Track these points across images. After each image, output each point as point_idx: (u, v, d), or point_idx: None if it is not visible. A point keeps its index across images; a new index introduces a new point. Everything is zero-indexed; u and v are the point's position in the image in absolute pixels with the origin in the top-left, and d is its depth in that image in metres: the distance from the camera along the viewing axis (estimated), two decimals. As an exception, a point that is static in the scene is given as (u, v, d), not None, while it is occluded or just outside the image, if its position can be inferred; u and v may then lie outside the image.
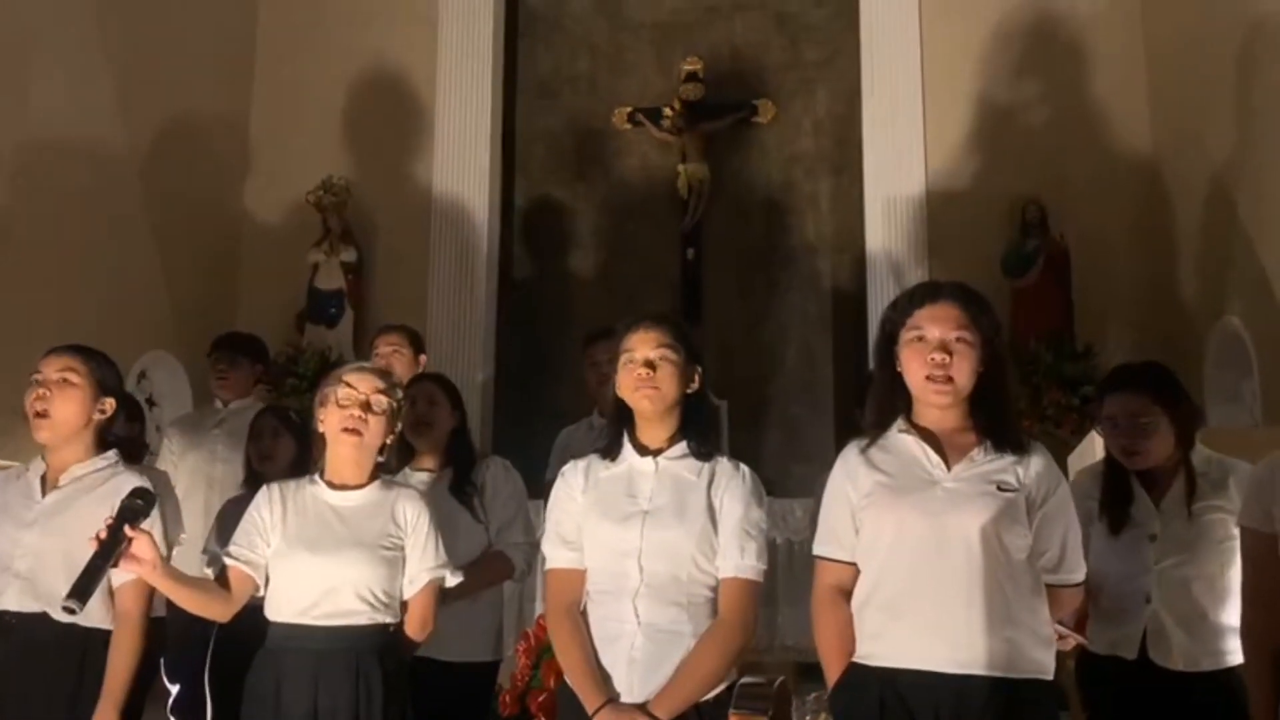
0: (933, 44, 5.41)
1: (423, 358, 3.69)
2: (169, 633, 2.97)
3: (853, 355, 5.31)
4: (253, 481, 3.26)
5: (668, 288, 5.68)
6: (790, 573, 4.14)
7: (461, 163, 5.77)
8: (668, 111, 5.84)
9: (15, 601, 2.26)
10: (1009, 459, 1.99)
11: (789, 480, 4.74)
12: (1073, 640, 2.44)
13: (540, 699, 3.68)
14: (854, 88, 5.65)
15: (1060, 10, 5.35)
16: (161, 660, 3.28)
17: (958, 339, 1.99)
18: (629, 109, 5.94)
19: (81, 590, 1.96)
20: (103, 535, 2.00)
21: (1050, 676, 1.96)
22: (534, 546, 2.92)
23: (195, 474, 3.73)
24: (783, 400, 5.51)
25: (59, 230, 4.54)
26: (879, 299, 5.36)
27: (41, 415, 2.33)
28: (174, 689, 3.54)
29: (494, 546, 2.90)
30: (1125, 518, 2.49)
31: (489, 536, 2.90)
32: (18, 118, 4.38)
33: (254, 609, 2.41)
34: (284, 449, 3.25)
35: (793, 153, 5.84)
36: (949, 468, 2.00)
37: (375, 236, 5.65)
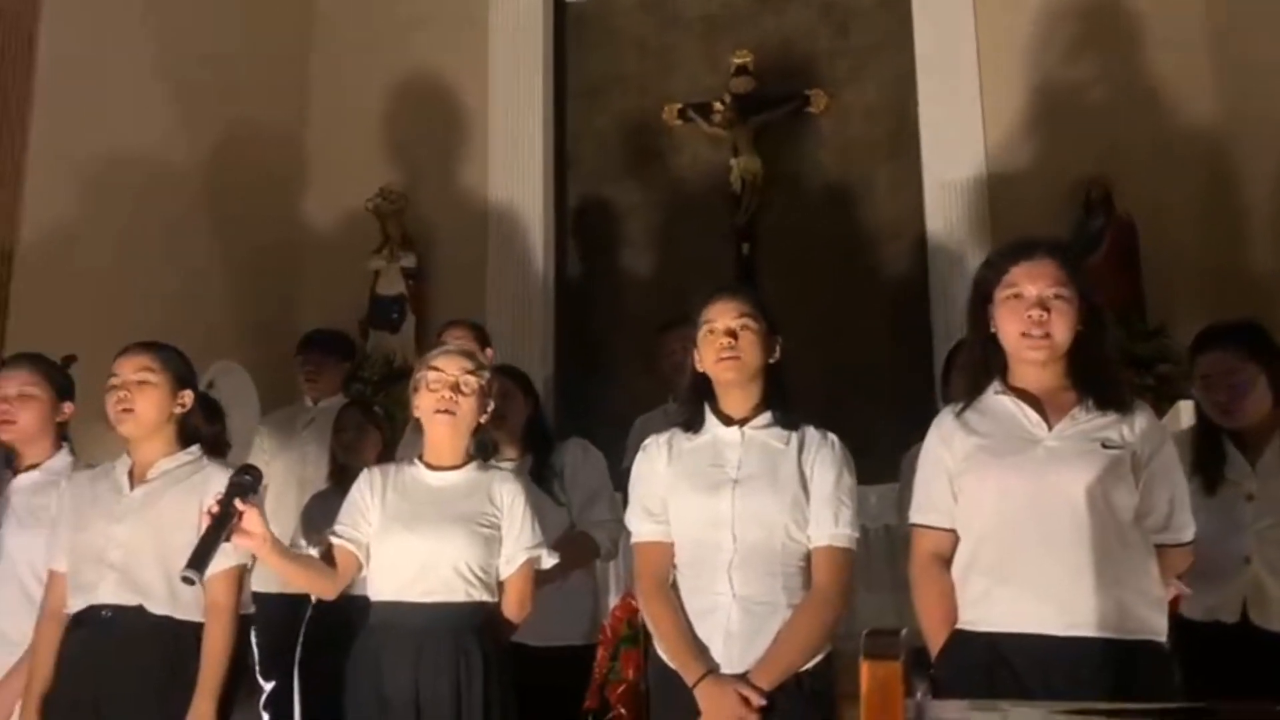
0: (988, 23, 5.34)
1: (489, 351, 3.69)
2: (260, 628, 3.00)
3: (916, 342, 5.24)
4: (338, 475, 3.30)
5: (718, 290, 5.63)
6: (867, 559, 4.08)
7: (514, 165, 5.79)
8: (718, 106, 5.81)
9: (111, 594, 2.29)
10: (1112, 416, 1.95)
11: (857, 471, 4.68)
12: (1174, 589, 2.37)
13: (619, 690, 3.67)
14: (907, 72, 5.58)
15: (1119, -18, 5.26)
16: (255, 657, 3.33)
17: (1055, 295, 1.95)
18: (679, 105, 5.92)
19: (199, 561, 2.00)
20: (214, 510, 2.02)
21: (1163, 638, 1.92)
22: (619, 524, 2.90)
23: (287, 474, 3.77)
24: (845, 391, 5.45)
25: (125, 243, 4.62)
26: (941, 285, 5.30)
27: (125, 412, 2.37)
28: (267, 686, 3.58)
29: (576, 527, 2.89)
30: (1219, 477, 2.43)
31: (571, 517, 2.89)
32: (85, 133, 4.46)
33: (345, 603, 2.43)
34: (369, 443, 3.29)
35: (847, 141, 5.78)
36: (1050, 427, 1.95)
37: (433, 241, 5.68)
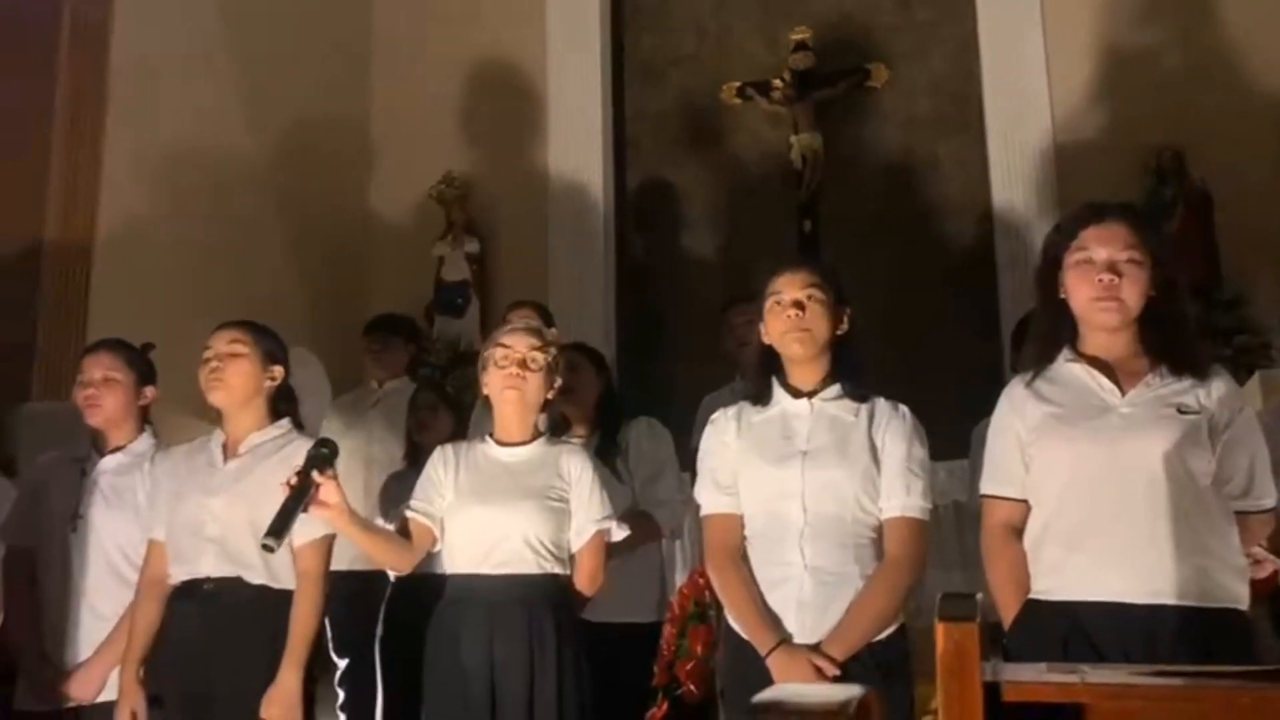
0: (1053, -11, 5.23)
1: (553, 330, 3.72)
2: (332, 606, 3.07)
3: (984, 317, 5.17)
4: (413, 455, 3.36)
5: (784, 262, 5.61)
6: (936, 536, 4.04)
7: (575, 149, 5.82)
8: (777, 83, 5.77)
9: (212, 566, 2.36)
10: (1188, 382, 1.91)
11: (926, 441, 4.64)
12: (1271, 566, 2.32)
13: (688, 667, 3.68)
14: (969, 44, 5.50)
15: (1190, -57, 5.12)
16: (329, 634, 3.40)
17: (1127, 259, 1.91)
18: (738, 84, 5.90)
19: (278, 530, 2.05)
20: (293, 481, 2.08)
21: (1245, 606, 1.87)
22: (683, 503, 2.91)
23: (354, 455, 3.82)
24: (911, 368, 5.39)
25: (195, 234, 4.73)
26: (1008, 259, 5.23)
27: (216, 381, 2.44)
28: (341, 663, 3.66)
29: (638, 505, 2.90)
30: None
31: (634, 495, 2.91)
32: (154, 126, 4.58)
33: (424, 581, 2.47)
34: (442, 422, 3.35)
35: (909, 116, 5.71)
36: (1122, 393, 1.92)
37: (496, 226, 5.74)
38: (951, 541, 4.00)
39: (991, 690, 1.18)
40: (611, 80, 6.01)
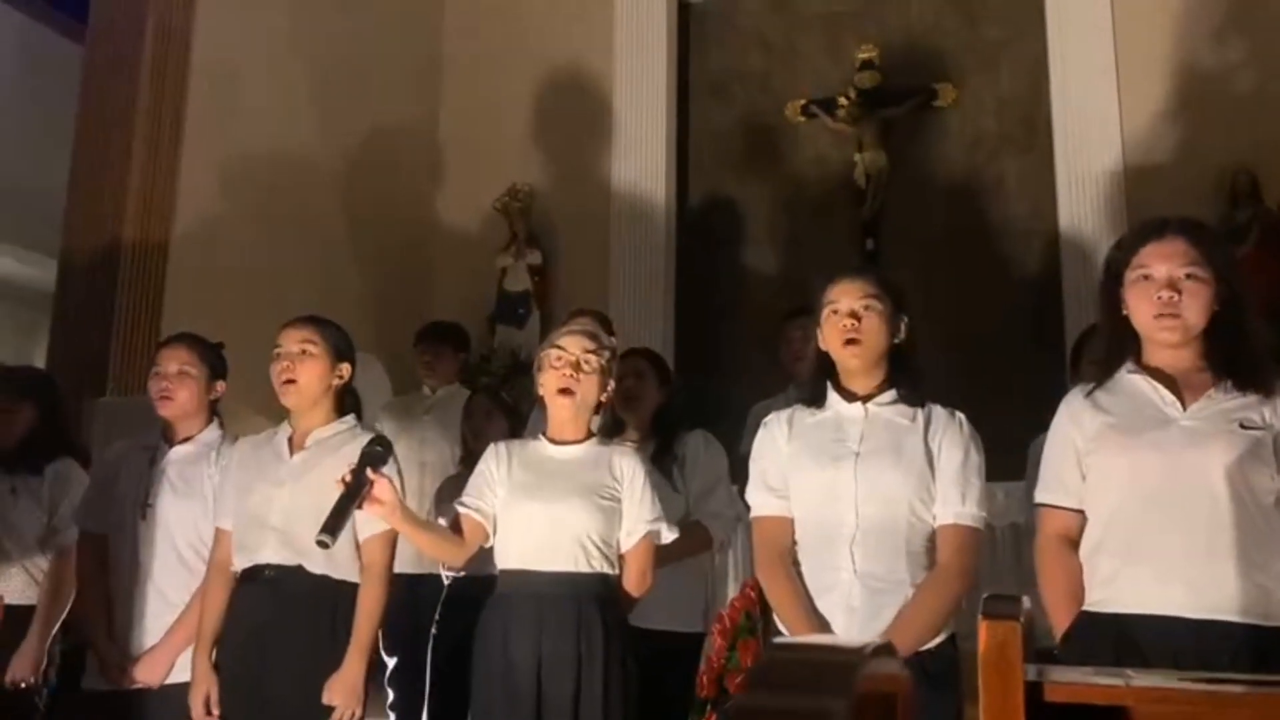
0: (1124, 11, 5.16)
1: (612, 339, 3.75)
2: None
3: (1049, 340, 5.09)
4: (469, 460, 3.41)
5: (841, 270, 5.59)
6: (993, 558, 4.00)
7: (638, 163, 5.86)
8: (842, 101, 5.77)
9: (274, 554, 2.41)
10: (1254, 398, 1.87)
11: (987, 468, 4.59)
12: None
13: (738, 680, 3.66)
14: (1039, 64, 5.45)
15: (1266, -38, 5.03)
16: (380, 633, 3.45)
17: (1187, 275, 1.88)
18: (802, 101, 5.91)
19: (332, 527, 2.10)
20: (348, 478, 2.12)
21: (1308, 628, 1.83)
22: (735, 518, 2.92)
23: (407, 459, 3.88)
24: (977, 390, 5.32)
25: (266, 237, 4.86)
26: (1075, 281, 5.14)
27: (289, 383, 2.49)
28: (391, 661, 3.71)
29: (691, 516, 2.91)
30: None
31: (687, 506, 2.92)
32: (230, 131, 4.73)
33: (478, 582, 2.50)
34: (496, 428, 3.39)
35: (976, 135, 5.67)
36: (1184, 406, 1.89)
37: (559, 238, 5.80)
38: (1010, 563, 3.94)
39: (1034, 690, 1.18)
40: (677, 95, 6.06)
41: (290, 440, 2.55)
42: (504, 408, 3.55)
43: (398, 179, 5.76)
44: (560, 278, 5.77)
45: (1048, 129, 5.38)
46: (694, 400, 5.57)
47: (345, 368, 2.59)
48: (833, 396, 2.17)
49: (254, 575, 2.43)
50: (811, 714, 0.52)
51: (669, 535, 2.36)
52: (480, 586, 2.56)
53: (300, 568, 2.39)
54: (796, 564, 2.13)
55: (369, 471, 2.16)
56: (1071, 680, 1.20)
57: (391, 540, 2.44)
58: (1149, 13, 5.13)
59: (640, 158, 5.87)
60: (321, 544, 2.11)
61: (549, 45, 5.97)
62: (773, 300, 5.48)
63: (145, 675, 2.60)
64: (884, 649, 0.71)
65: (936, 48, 5.80)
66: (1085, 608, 1.90)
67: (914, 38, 5.84)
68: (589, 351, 2.36)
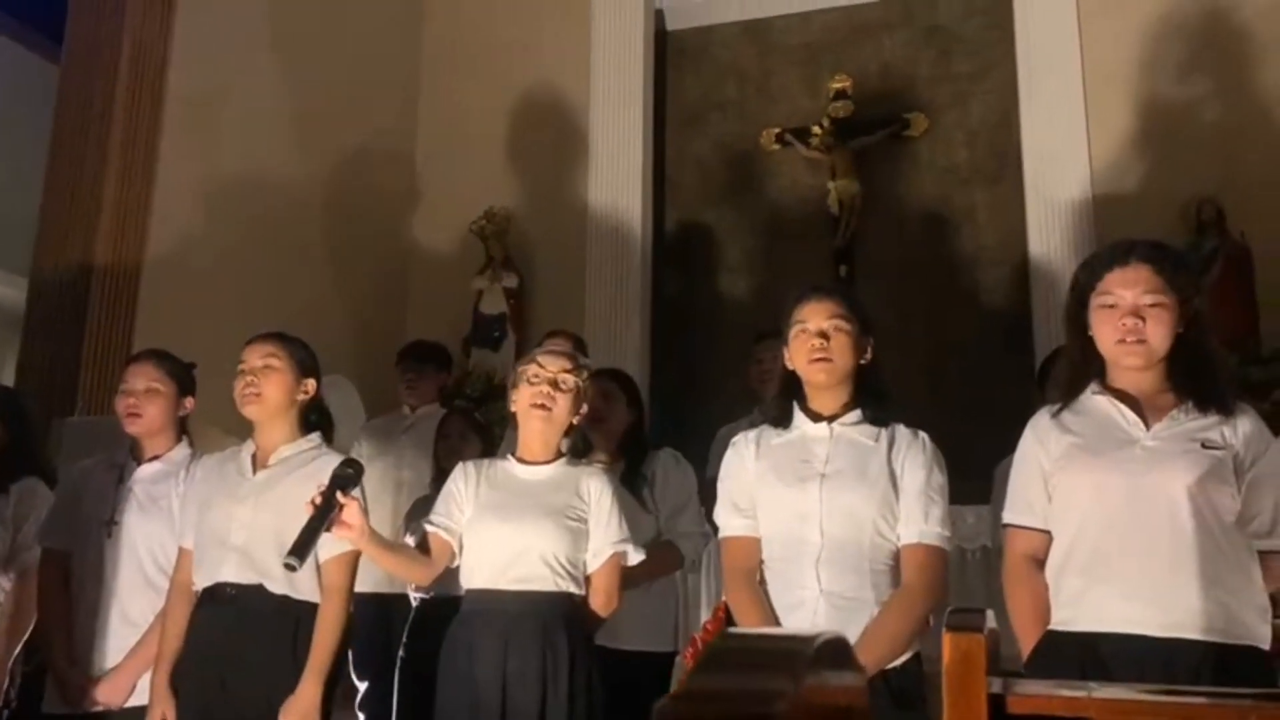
0: (1092, 44, 5.26)
1: (588, 360, 3.76)
2: (353, 629, 3.09)
3: (1019, 367, 5.14)
4: (440, 480, 3.39)
5: (810, 289, 5.64)
6: (962, 580, 4.03)
7: (615, 189, 5.90)
8: (816, 130, 5.85)
9: (234, 573, 2.39)
10: (1214, 419, 1.90)
11: (955, 492, 4.62)
12: None
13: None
14: (1009, 97, 5.53)
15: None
16: (350, 656, 3.42)
17: (1151, 303, 1.91)
18: (777, 130, 5.98)
19: (300, 550, 2.08)
20: (317, 500, 2.11)
21: (1266, 646, 1.85)
22: (704, 537, 2.92)
23: (384, 478, 3.88)
24: (949, 415, 5.37)
25: (241, 260, 4.84)
26: (1045, 308, 5.20)
27: (252, 396, 2.48)
28: (361, 686, 3.67)
29: (663, 536, 2.92)
30: None
31: (659, 526, 2.92)
32: (203, 155, 4.72)
33: (448, 602, 2.49)
34: (470, 448, 3.38)
35: (947, 165, 5.75)
36: (1148, 427, 1.92)
37: (535, 262, 5.82)
38: (978, 586, 3.96)
39: (997, 702, 1.18)
40: (654, 122, 6.10)
41: (254, 457, 2.53)
42: (478, 428, 3.55)
43: (375, 202, 5.76)
44: (536, 301, 5.78)
45: (1017, 159, 5.46)
46: (669, 424, 5.59)
47: (310, 383, 2.57)
48: (799, 417, 2.19)
49: (214, 594, 2.40)
50: (759, 696, 0.53)
51: (636, 556, 2.36)
52: (449, 607, 2.54)
53: (261, 587, 2.36)
54: (764, 583, 2.14)
55: (339, 494, 2.14)
56: (1034, 692, 1.21)
57: (353, 562, 2.42)
58: (1116, 47, 5.23)
59: (617, 183, 5.91)
60: (289, 567, 2.10)
61: (527, 71, 6.01)
62: (747, 325, 5.50)
63: (106, 697, 2.56)
64: (836, 641, 0.72)
65: (909, 78, 5.89)
66: (1051, 627, 1.92)
67: (887, 69, 5.93)
68: (566, 371, 2.37)
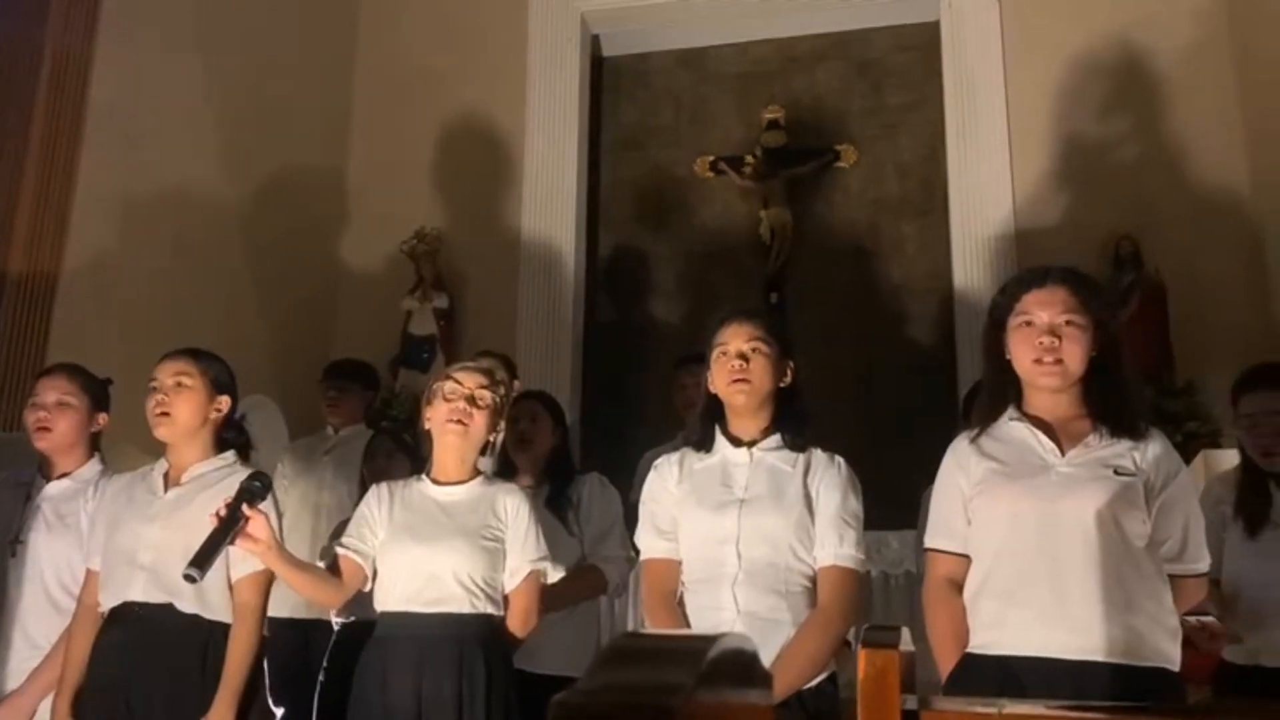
0: (1017, 83, 5.41)
1: (516, 383, 3.74)
2: (271, 654, 3.02)
3: (943, 395, 5.23)
4: (365, 502, 3.34)
5: (731, 313, 5.68)
6: (888, 606, 4.06)
7: (549, 213, 5.89)
8: (749, 159, 5.92)
9: (141, 592, 2.31)
10: (1126, 444, 1.95)
11: (880, 518, 4.67)
12: (1222, 641, 2.33)
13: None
14: (938, 131, 5.66)
15: (1147, 44, 5.31)
16: (267, 681, 3.33)
17: (1067, 322, 1.96)
18: (711, 158, 6.04)
19: (200, 561, 2.03)
20: (222, 513, 2.06)
21: (1176, 668, 1.89)
22: (629, 561, 2.91)
23: (304, 500, 3.80)
24: (876, 441, 5.44)
25: (165, 276, 4.73)
26: (968, 339, 5.29)
27: (163, 415, 2.41)
28: (279, 712, 3.58)
29: (587, 560, 2.90)
30: (1264, 519, 2.40)
31: (583, 550, 2.91)
32: (129, 166, 4.61)
33: (369, 627, 2.44)
34: (398, 470, 3.32)
35: (877, 196, 5.86)
36: (1063, 453, 1.95)
37: (466, 284, 5.78)
38: (903, 611, 4.00)
39: (911, 718, 1.19)
40: (589, 147, 6.12)
41: (166, 476, 2.46)
42: (406, 449, 3.49)
43: (303, 220, 5.68)
44: (467, 323, 5.73)
45: (944, 193, 5.58)
46: (600, 448, 5.57)
47: (224, 401, 2.50)
48: (720, 441, 2.20)
49: (121, 615, 2.32)
50: (656, 689, 0.52)
51: (554, 574, 2.34)
52: (371, 632, 2.49)
53: (170, 606, 2.29)
54: (683, 605, 2.14)
55: (245, 507, 2.09)
56: (948, 708, 1.22)
57: (266, 581, 2.36)
58: (1040, 88, 5.38)
59: (550, 207, 5.90)
60: (189, 578, 2.04)
61: (461, 94, 5.99)
62: (678, 350, 5.51)
63: (6, 721, 2.47)
64: (745, 654, 0.71)
65: (840, 111, 6.00)
66: (969, 650, 1.94)
67: (819, 100, 6.03)
68: (483, 387, 2.34)
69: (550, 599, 2.48)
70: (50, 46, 4.43)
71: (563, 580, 2.60)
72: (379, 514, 2.30)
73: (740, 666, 0.68)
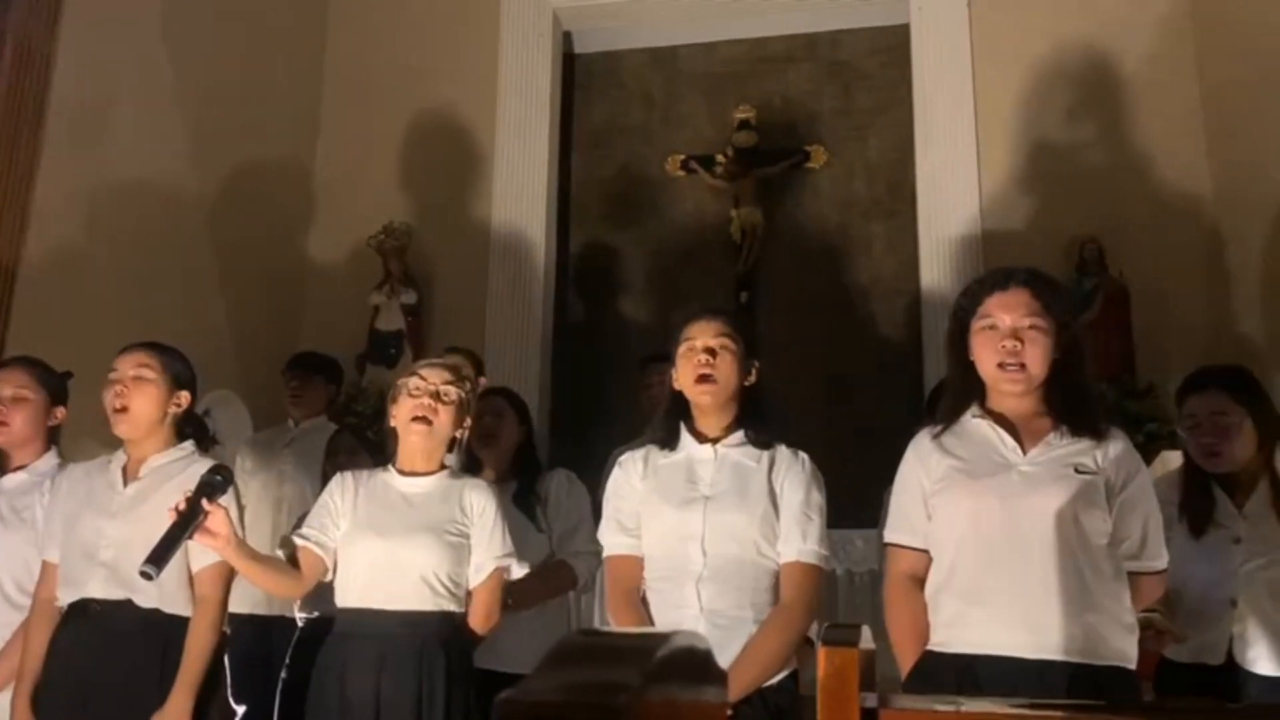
0: (985, 87, 5.45)
1: (482, 380, 3.73)
2: (232, 651, 2.99)
3: (909, 394, 5.27)
4: (329, 497, 3.31)
5: (698, 310, 5.70)
6: (852, 604, 4.08)
7: (519, 209, 5.87)
8: (720, 158, 5.93)
9: (100, 589, 2.29)
10: (1087, 443, 1.97)
11: (845, 516, 4.69)
12: (1169, 639, 2.36)
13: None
14: (906, 133, 5.69)
15: (1114, 50, 5.37)
16: (229, 679, 3.30)
17: (1030, 326, 1.97)
18: (682, 156, 6.05)
19: (158, 557, 2.00)
20: (181, 507, 2.04)
21: (1133, 665, 1.91)
22: (598, 556, 2.90)
23: (264, 493, 3.76)
24: (842, 439, 5.47)
25: (129, 269, 4.66)
26: (934, 339, 5.33)
27: (121, 411, 2.38)
28: (240, 709, 3.54)
29: (556, 556, 2.89)
30: (1207, 520, 2.43)
31: (551, 546, 2.90)
32: (92, 158, 4.54)
33: (332, 623, 2.42)
34: (360, 467, 3.30)
35: (846, 197, 5.88)
36: (1025, 452, 1.97)
37: (434, 280, 5.74)
38: (866, 609, 4.02)
39: (870, 716, 1.20)
40: (560, 145, 6.11)
41: (125, 470, 2.43)
42: (369, 446, 3.47)
43: (270, 215, 5.62)
44: (435, 319, 5.70)
45: (912, 195, 5.61)
46: (569, 446, 5.56)
47: (184, 395, 2.47)
48: (685, 438, 2.21)
49: (79, 610, 2.30)
50: (603, 687, 0.52)
51: (519, 571, 2.33)
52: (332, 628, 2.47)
53: (129, 602, 2.27)
54: (647, 602, 2.14)
55: (204, 501, 2.07)
56: (907, 706, 1.23)
57: (227, 572, 2.34)
58: (1008, 93, 5.42)
59: (521, 204, 5.88)
60: (145, 575, 2.01)
61: (432, 89, 5.96)
62: (648, 348, 5.51)
63: (-40, 719, 2.43)
64: (699, 653, 0.71)
65: (811, 112, 6.02)
66: (930, 647, 1.95)
67: (790, 101, 6.05)
68: (448, 383, 2.32)
69: (521, 596, 2.47)
70: (12, 36, 4.35)
71: (534, 577, 2.59)
72: (342, 504, 2.28)
73: (693, 665, 0.68)
